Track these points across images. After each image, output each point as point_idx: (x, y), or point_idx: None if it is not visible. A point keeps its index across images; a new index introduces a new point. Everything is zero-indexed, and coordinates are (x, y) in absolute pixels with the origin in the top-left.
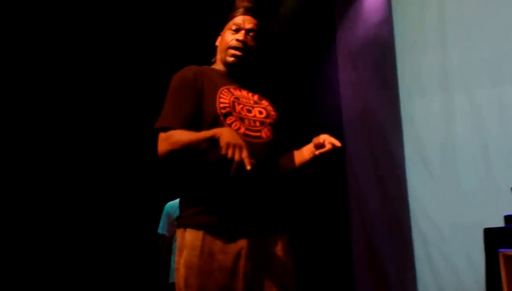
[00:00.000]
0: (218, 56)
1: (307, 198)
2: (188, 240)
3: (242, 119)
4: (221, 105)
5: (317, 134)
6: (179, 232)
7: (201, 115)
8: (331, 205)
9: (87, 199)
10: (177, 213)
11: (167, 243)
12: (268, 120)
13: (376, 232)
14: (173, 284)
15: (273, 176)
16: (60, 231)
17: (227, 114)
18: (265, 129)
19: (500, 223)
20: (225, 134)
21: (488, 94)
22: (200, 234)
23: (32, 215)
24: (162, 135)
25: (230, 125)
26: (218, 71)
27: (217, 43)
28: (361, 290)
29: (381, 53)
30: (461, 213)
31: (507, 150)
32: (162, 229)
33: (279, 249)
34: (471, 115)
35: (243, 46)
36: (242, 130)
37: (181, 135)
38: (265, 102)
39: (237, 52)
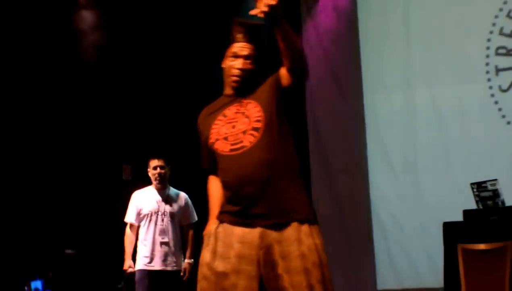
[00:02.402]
0: (225, 79)
1: None
2: None
3: (226, 139)
4: (211, 140)
5: None
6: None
7: (207, 147)
8: None
9: (53, 187)
10: (144, 201)
11: (134, 231)
12: (250, 127)
13: (337, 225)
14: (139, 271)
15: (269, 168)
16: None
17: (215, 142)
18: (248, 137)
19: (459, 218)
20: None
21: (449, 92)
22: None
23: None
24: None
25: (217, 149)
26: (224, 96)
27: (223, 66)
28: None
29: (345, 51)
30: (421, 207)
31: (467, 146)
32: (129, 217)
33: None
34: (433, 113)
35: (241, 73)
36: (227, 148)
37: (209, 191)
38: (254, 107)
39: (237, 79)
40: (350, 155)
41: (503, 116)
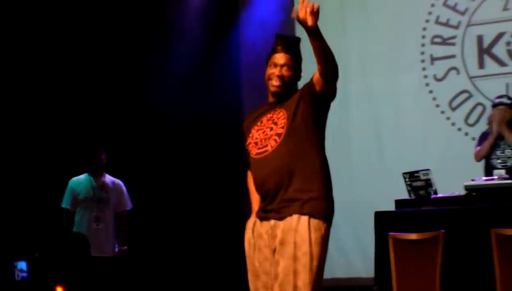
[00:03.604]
0: (266, 86)
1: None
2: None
3: (256, 143)
4: (246, 143)
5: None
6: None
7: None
8: (229, 186)
9: None
10: (80, 188)
11: (70, 217)
12: (275, 132)
13: None
14: None
15: (285, 170)
16: None
17: (249, 145)
18: (271, 142)
19: (391, 207)
20: None
21: (384, 81)
22: None
23: None
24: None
25: (250, 152)
26: (266, 103)
27: (265, 75)
28: None
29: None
30: (352, 196)
31: (401, 135)
32: (65, 203)
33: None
34: (367, 102)
35: (280, 80)
36: (255, 152)
37: (248, 185)
38: (282, 115)
39: (276, 85)
40: None
41: (437, 106)
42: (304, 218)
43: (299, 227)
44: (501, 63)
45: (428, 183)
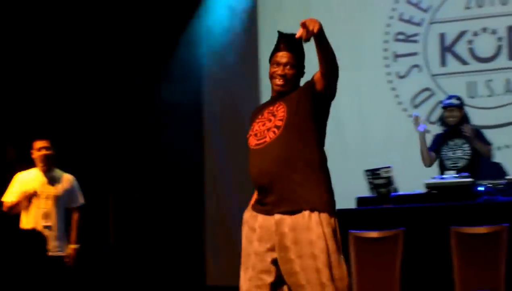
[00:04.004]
0: (271, 83)
1: (164, 173)
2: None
3: (256, 135)
4: (249, 133)
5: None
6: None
7: None
8: (186, 181)
9: None
10: (27, 184)
11: (13, 211)
12: (273, 124)
13: (230, 210)
14: None
15: (283, 161)
16: None
17: (249, 138)
18: (270, 133)
19: (352, 205)
20: None
21: (347, 77)
22: None
23: None
24: None
25: (249, 144)
26: (271, 98)
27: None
28: (212, 267)
29: (244, 32)
30: None
31: (362, 132)
32: (8, 197)
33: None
34: None
35: (283, 78)
36: (254, 143)
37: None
38: (281, 108)
39: (279, 84)
40: (243, 134)
41: (400, 103)
42: (315, 214)
43: (311, 225)
44: (463, 61)
45: (389, 181)
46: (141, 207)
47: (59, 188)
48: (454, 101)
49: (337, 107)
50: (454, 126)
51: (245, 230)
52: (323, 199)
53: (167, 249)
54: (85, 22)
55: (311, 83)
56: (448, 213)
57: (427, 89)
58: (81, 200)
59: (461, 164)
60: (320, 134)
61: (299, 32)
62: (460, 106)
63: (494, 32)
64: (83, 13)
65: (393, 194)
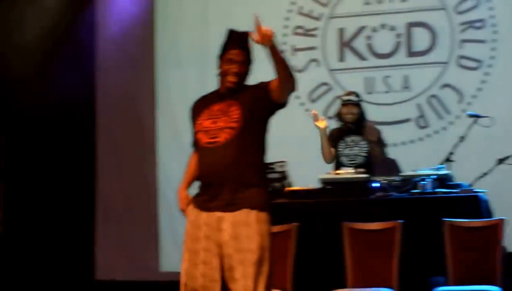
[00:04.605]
0: (220, 79)
1: (52, 167)
2: None
3: (206, 132)
4: (196, 128)
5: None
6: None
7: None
8: (77, 174)
9: None
10: None
11: None
12: (228, 125)
13: (122, 204)
14: None
15: (236, 163)
16: None
17: (198, 132)
18: (224, 134)
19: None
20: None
21: None
22: None
23: None
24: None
25: (198, 140)
26: (216, 92)
27: (218, 70)
28: (102, 262)
29: (140, 28)
30: None
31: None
32: None
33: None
34: None
35: (237, 76)
36: (205, 141)
37: (189, 162)
38: (235, 109)
39: (233, 81)
40: (140, 132)
41: (297, 97)
42: (253, 213)
43: (249, 221)
44: (361, 57)
45: (284, 175)
46: (31, 197)
47: None
48: (353, 98)
49: None
50: (352, 123)
51: (188, 228)
52: (262, 198)
53: (55, 242)
54: None
55: (266, 89)
56: (342, 208)
57: (324, 84)
58: None
59: (358, 161)
60: (265, 137)
61: (255, 37)
62: (359, 103)
63: (393, 28)
64: None
65: (287, 188)
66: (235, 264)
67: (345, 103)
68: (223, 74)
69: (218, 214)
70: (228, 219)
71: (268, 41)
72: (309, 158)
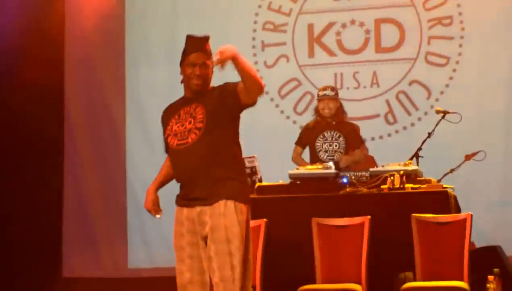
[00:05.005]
0: (184, 84)
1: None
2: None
3: (176, 135)
4: (166, 134)
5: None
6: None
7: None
8: (44, 170)
9: None
10: None
11: None
12: (194, 126)
13: (90, 200)
14: None
15: (205, 160)
16: None
17: (168, 137)
18: (191, 135)
19: None
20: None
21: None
22: None
23: None
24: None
25: (169, 143)
26: (182, 98)
27: (181, 73)
28: (70, 259)
29: (109, 23)
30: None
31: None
32: None
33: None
34: None
35: (200, 78)
36: (175, 143)
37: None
38: (199, 110)
39: (198, 83)
40: (109, 128)
41: (267, 93)
42: (230, 203)
43: (227, 212)
44: (331, 53)
45: (253, 170)
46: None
47: None
48: (328, 92)
49: None
50: (330, 118)
51: (174, 226)
52: (238, 189)
53: (23, 239)
54: None
55: (234, 93)
56: (311, 204)
57: (294, 79)
58: None
59: (337, 156)
60: (236, 132)
61: (216, 60)
62: (335, 97)
63: (362, 24)
64: None
65: (256, 184)
66: (213, 255)
67: (321, 98)
68: (186, 79)
69: (199, 208)
70: (207, 212)
71: (227, 57)
72: (278, 153)
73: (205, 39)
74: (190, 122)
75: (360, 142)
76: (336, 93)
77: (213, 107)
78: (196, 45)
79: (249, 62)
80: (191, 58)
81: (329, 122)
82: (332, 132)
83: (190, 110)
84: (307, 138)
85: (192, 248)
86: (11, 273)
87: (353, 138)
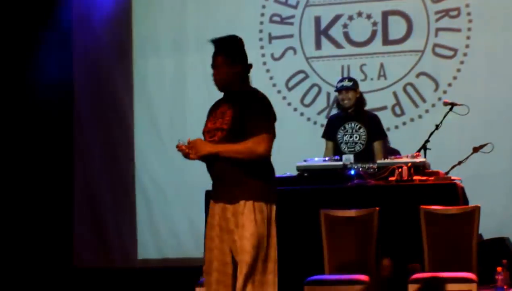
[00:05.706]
0: None
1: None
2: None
3: (209, 131)
4: (203, 129)
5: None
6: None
7: None
8: (55, 162)
9: None
10: None
11: None
12: (220, 127)
13: (100, 192)
14: None
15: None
16: None
17: (203, 133)
18: (218, 133)
19: None
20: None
21: None
22: None
23: None
24: None
25: (205, 138)
26: (221, 97)
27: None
28: (80, 250)
29: (117, 14)
30: (185, 176)
31: None
32: None
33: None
34: (203, 79)
35: (217, 79)
36: (207, 139)
37: None
38: (228, 113)
39: (215, 83)
40: (117, 120)
41: (274, 85)
42: (249, 203)
43: (245, 211)
44: (338, 45)
45: None
46: (8, 184)
47: None
48: (346, 83)
49: (210, 87)
50: (350, 108)
51: (208, 217)
52: (259, 189)
53: (33, 230)
54: None
55: (247, 126)
56: (318, 196)
57: (301, 71)
58: None
59: (357, 148)
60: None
61: (183, 151)
62: (353, 87)
63: (369, 16)
64: None
65: None
66: (238, 250)
67: (339, 90)
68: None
69: (223, 204)
70: (230, 209)
71: (192, 158)
72: (286, 145)
73: (224, 40)
74: (220, 122)
75: (382, 133)
76: (354, 83)
77: (238, 114)
78: (216, 47)
79: (233, 146)
80: (212, 61)
81: (350, 114)
82: (353, 124)
83: (224, 109)
84: (331, 131)
85: (219, 240)
86: (23, 263)
87: (374, 129)
